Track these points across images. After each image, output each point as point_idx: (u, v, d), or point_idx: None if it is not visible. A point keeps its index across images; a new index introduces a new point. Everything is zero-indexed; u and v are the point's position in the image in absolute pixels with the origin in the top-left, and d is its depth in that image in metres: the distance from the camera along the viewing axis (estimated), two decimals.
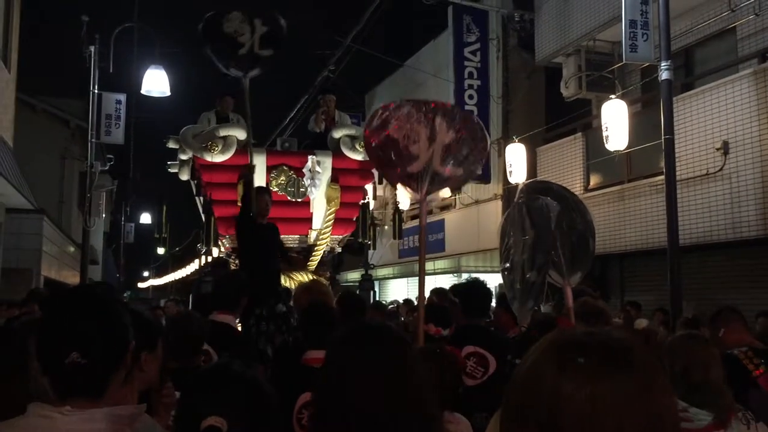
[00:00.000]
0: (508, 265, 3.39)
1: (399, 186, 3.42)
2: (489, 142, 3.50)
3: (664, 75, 7.36)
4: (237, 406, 1.43)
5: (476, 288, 4.16)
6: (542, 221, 3.15)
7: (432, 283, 11.88)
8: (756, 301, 7.92)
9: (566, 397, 0.89)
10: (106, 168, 15.40)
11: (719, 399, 2.79)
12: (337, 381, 1.43)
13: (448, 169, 3.32)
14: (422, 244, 3.52)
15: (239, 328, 4.61)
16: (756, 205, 8.25)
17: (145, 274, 52.44)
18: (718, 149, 8.69)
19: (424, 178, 3.28)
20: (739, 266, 8.97)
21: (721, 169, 8.66)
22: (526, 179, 11.68)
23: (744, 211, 8.39)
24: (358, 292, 14.11)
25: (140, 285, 51.41)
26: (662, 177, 7.61)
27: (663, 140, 7.37)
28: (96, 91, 11.59)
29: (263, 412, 1.47)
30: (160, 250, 38.67)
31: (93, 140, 11.69)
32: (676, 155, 7.61)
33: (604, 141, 9.15)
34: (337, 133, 8.52)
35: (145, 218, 31.44)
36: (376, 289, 17.61)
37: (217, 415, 1.37)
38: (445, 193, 13.64)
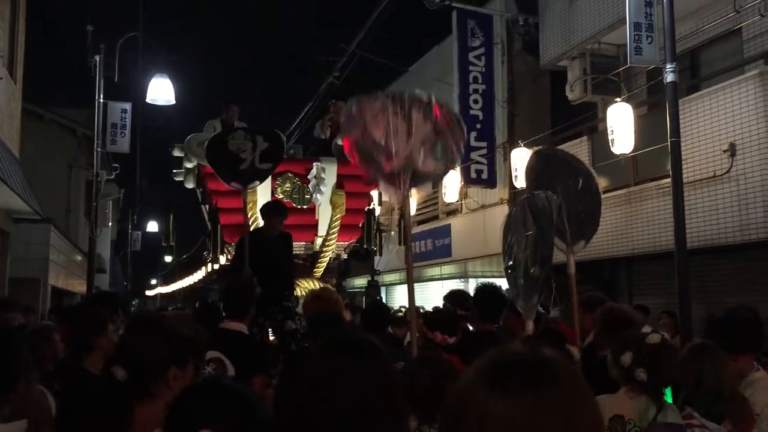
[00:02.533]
0: (511, 263, 3.38)
1: (381, 185, 3.39)
2: (465, 130, 3.48)
3: (669, 77, 7.32)
4: (227, 420, 1.43)
5: (494, 292, 4.13)
6: (544, 215, 3.14)
7: (439, 288, 11.85)
8: (764, 304, 7.86)
9: (490, 416, 0.92)
10: (113, 177, 15.46)
11: (736, 405, 2.76)
12: (307, 393, 1.41)
13: (429, 165, 3.32)
14: (408, 249, 3.51)
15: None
16: (764, 208, 8.19)
17: (153, 282, 52.57)
18: (724, 151, 8.63)
19: (404, 176, 3.27)
20: (746, 269, 8.91)
21: (728, 172, 8.61)
22: None
23: (752, 213, 8.33)
24: (364, 298, 14.11)
25: (148, 293, 51.51)
26: (669, 180, 7.57)
27: (669, 143, 7.33)
28: (101, 100, 11.63)
29: (253, 424, 1.46)
30: (168, 258, 38.78)
31: (99, 149, 11.73)
32: (683, 158, 7.57)
33: (610, 144, 9.11)
34: (342, 140, 8.53)
35: (152, 226, 31.54)
36: (383, 295, 17.58)
37: (207, 428, 1.38)
38: (452, 196, 13.65)
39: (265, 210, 6.41)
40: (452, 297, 5.35)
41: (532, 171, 3.52)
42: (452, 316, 4.11)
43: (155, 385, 1.94)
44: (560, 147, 11.92)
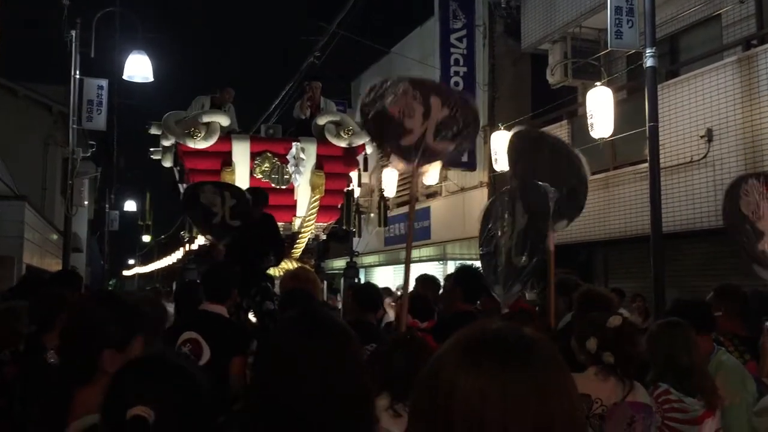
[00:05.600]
0: (489, 249, 3.38)
1: (392, 156, 3.42)
2: (480, 126, 3.52)
3: (648, 62, 7.36)
4: (165, 396, 1.39)
5: (476, 274, 4.14)
6: (540, 206, 3.14)
7: (417, 271, 11.88)
8: None
9: (459, 393, 0.91)
10: (89, 154, 15.24)
11: (705, 382, 2.83)
12: (273, 369, 1.40)
13: (440, 144, 3.35)
14: (411, 219, 3.52)
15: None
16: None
17: (131, 261, 52.12)
18: (702, 137, 8.70)
19: (416, 151, 3.30)
20: (721, 253, 9.02)
21: (704, 157, 8.69)
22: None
23: None
24: (342, 280, 14.10)
25: (125, 273, 51.10)
26: (646, 164, 7.63)
27: (647, 127, 7.37)
28: (77, 76, 11.44)
29: (194, 402, 1.43)
30: (146, 238, 38.49)
31: (74, 126, 11.56)
32: (661, 143, 7.63)
33: (590, 128, 9.15)
34: (322, 120, 8.48)
35: (130, 206, 31.19)
36: (362, 277, 17.60)
37: (143, 404, 1.34)
38: (432, 179, 13.63)
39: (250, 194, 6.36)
40: (425, 282, 5.34)
41: (513, 151, 3.52)
42: (426, 300, 4.11)
43: (95, 367, 1.85)
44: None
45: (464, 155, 13.38)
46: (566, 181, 3.47)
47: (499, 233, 3.30)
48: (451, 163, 3.55)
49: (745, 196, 3.77)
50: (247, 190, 6.68)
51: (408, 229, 3.53)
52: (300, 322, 1.48)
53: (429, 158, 3.39)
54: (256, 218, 6.19)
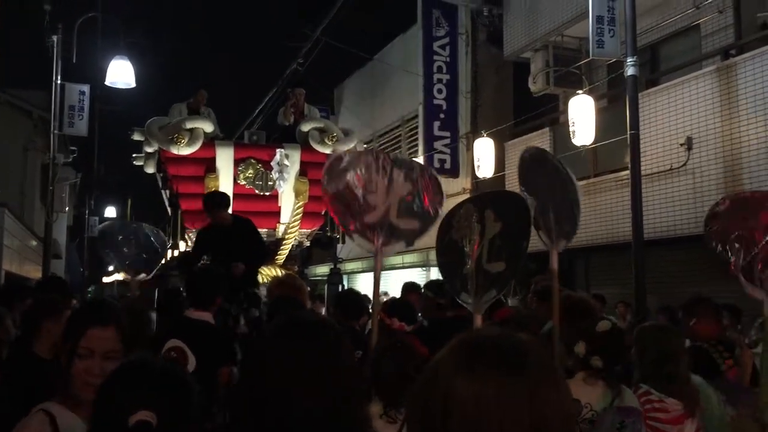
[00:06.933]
0: (450, 258, 3.39)
1: (356, 237, 3.43)
2: (444, 198, 3.56)
3: (629, 71, 7.45)
4: (163, 399, 1.39)
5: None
6: (515, 213, 3.16)
7: (402, 277, 11.89)
8: (716, 294, 8.05)
9: (456, 398, 0.93)
10: (70, 160, 15.11)
11: (687, 388, 2.87)
12: (260, 372, 1.39)
13: (404, 222, 3.37)
14: (376, 293, 3.56)
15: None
16: (718, 200, 8.39)
17: (110, 268, 51.54)
18: (681, 145, 8.82)
19: (380, 230, 3.32)
20: (701, 259, 9.11)
21: (684, 165, 8.80)
22: (494, 174, 11.75)
23: (707, 205, 8.44)
24: (326, 286, 14.08)
25: (105, 279, 50.49)
26: (627, 172, 7.71)
27: (628, 135, 7.46)
28: (59, 81, 11.36)
29: (186, 404, 1.44)
30: None
31: (55, 131, 11.46)
32: (641, 150, 7.71)
33: (571, 136, 9.23)
34: (306, 126, 8.48)
35: (110, 212, 30.91)
36: (345, 283, 17.59)
37: (145, 409, 1.34)
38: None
39: (206, 206, 6.20)
40: (431, 286, 5.37)
41: (522, 168, 3.56)
42: (410, 305, 4.14)
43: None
44: (522, 138, 12.07)
45: (446, 162, 13.47)
46: (565, 201, 3.52)
47: (465, 242, 3.29)
48: (413, 239, 3.54)
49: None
50: (204, 198, 6.45)
51: (374, 296, 3.59)
52: (288, 324, 1.48)
53: (393, 237, 3.41)
54: (228, 222, 6.09)
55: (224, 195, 6.56)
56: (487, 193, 3.73)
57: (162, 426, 1.35)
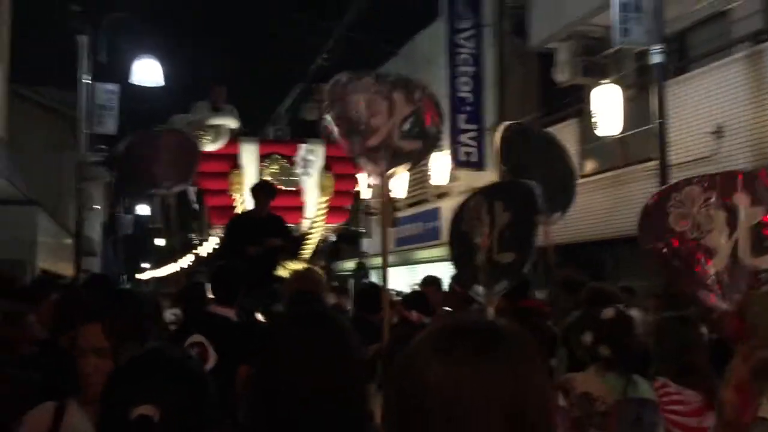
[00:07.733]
0: (461, 251, 3.36)
1: (361, 161, 3.42)
2: (443, 116, 3.55)
3: (656, 59, 7.34)
4: (169, 393, 1.35)
5: None
6: (523, 202, 3.13)
7: (431, 271, 11.89)
8: None
9: (434, 381, 0.92)
10: (101, 159, 15.37)
11: (707, 381, 2.81)
12: (272, 362, 1.41)
13: (406, 142, 3.35)
14: (386, 226, 3.53)
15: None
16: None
17: (145, 265, 52.21)
18: (711, 133, 8.65)
19: (384, 154, 3.30)
20: None
21: (714, 154, 8.63)
22: None
23: None
24: (353, 281, 14.12)
25: (140, 276, 51.24)
26: (656, 162, 7.59)
27: (656, 124, 7.35)
28: (88, 81, 11.54)
29: (197, 397, 1.42)
30: (159, 242, 38.56)
31: (85, 131, 11.66)
32: (670, 140, 7.59)
33: (595, 126, 9.11)
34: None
35: (144, 209, 31.31)
36: (373, 278, 17.62)
37: (147, 403, 1.32)
38: (443, 179, 13.59)
39: (256, 190, 6.40)
40: (429, 283, 5.39)
41: (504, 143, 3.52)
42: (425, 298, 4.13)
43: None
44: (550, 129, 11.93)
45: (473, 155, 13.39)
46: (557, 172, 3.48)
47: (475, 233, 3.25)
48: (418, 161, 3.52)
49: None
50: (257, 184, 6.69)
51: (383, 236, 3.56)
52: (298, 316, 1.51)
53: (397, 160, 3.39)
54: (264, 215, 6.20)
55: (274, 187, 6.72)
56: (496, 184, 3.70)
57: (168, 421, 1.33)
